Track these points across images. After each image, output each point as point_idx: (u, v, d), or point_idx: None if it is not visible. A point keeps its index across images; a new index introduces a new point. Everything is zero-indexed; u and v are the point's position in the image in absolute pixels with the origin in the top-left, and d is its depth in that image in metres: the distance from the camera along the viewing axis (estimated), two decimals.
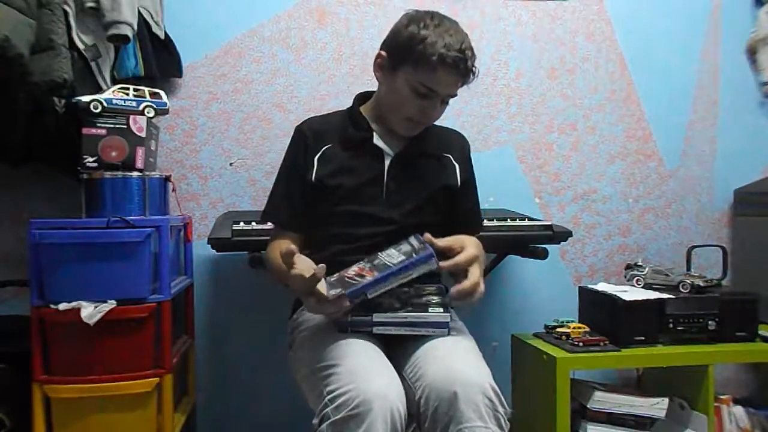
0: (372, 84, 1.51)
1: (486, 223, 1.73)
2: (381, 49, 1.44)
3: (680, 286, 1.91)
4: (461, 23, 1.40)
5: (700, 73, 2.37)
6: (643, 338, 1.80)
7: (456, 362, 1.20)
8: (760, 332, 1.90)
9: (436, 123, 1.51)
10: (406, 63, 1.37)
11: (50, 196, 1.97)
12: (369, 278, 1.20)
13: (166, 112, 1.74)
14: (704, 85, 2.37)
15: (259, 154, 2.11)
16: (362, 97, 1.54)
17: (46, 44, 1.50)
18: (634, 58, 2.32)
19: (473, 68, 1.38)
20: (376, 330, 1.27)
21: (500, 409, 1.16)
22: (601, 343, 1.78)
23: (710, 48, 2.38)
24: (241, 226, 1.70)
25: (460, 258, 1.29)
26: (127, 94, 1.66)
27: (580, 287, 2.02)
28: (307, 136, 1.47)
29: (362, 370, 1.14)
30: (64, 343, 1.52)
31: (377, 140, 1.47)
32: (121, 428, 1.54)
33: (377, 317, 1.26)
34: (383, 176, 1.44)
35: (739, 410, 2.01)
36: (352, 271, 1.26)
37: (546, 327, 1.94)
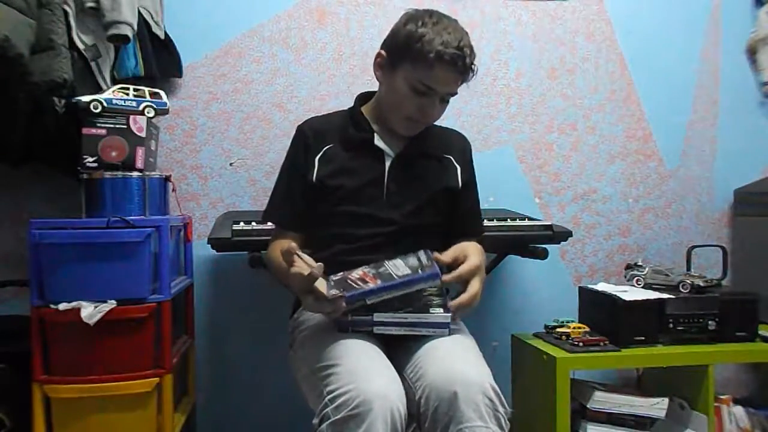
0: (372, 84, 1.51)
1: (486, 223, 1.73)
2: (381, 48, 1.44)
3: (680, 286, 1.91)
4: (461, 23, 1.40)
5: (700, 73, 2.37)
6: (643, 338, 1.80)
7: (456, 362, 1.20)
8: (760, 332, 1.90)
9: (437, 123, 1.51)
10: (405, 61, 1.37)
11: (50, 196, 1.97)
12: (371, 285, 1.21)
13: (166, 112, 1.74)
14: (704, 85, 2.37)
15: (259, 154, 2.11)
16: (364, 98, 1.54)
17: (46, 44, 1.50)
18: (634, 58, 2.32)
19: (472, 66, 1.37)
20: (376, 330, 1.27)
21: (500, 409, 1.16)
22: (601, 343, 1.78)
23: (710, 48, 2.37)
24: (241, 226, 1.70)
25: (462, 269, 1.30)
26: (127, 94, 1.66)
27: (580, 287, 2.02)
28: (308, 136, 1.47)
29: (362, 370, 1.14)
30: (64, 343, 1.52)
31: (378, 141, 1.47)
32: (121, 428, 1.54)
33: (378, 317, 1.26)
34: (384, 177, 1.44)
35: (739, 410, 2.01)
36: (356, 274, 1.26)
37: (546, 327, 1.94)
